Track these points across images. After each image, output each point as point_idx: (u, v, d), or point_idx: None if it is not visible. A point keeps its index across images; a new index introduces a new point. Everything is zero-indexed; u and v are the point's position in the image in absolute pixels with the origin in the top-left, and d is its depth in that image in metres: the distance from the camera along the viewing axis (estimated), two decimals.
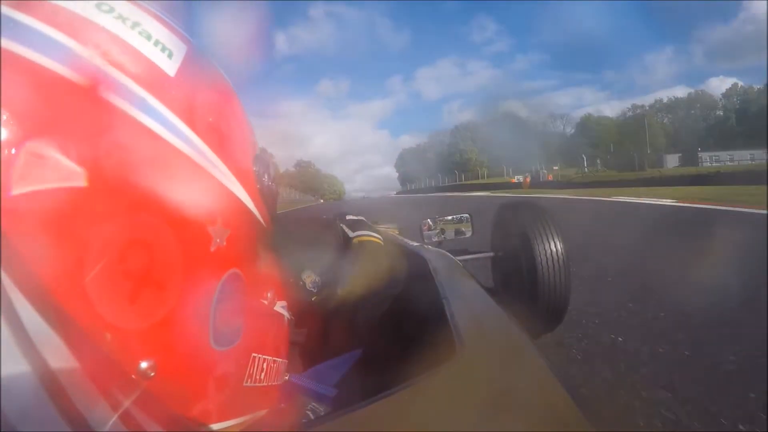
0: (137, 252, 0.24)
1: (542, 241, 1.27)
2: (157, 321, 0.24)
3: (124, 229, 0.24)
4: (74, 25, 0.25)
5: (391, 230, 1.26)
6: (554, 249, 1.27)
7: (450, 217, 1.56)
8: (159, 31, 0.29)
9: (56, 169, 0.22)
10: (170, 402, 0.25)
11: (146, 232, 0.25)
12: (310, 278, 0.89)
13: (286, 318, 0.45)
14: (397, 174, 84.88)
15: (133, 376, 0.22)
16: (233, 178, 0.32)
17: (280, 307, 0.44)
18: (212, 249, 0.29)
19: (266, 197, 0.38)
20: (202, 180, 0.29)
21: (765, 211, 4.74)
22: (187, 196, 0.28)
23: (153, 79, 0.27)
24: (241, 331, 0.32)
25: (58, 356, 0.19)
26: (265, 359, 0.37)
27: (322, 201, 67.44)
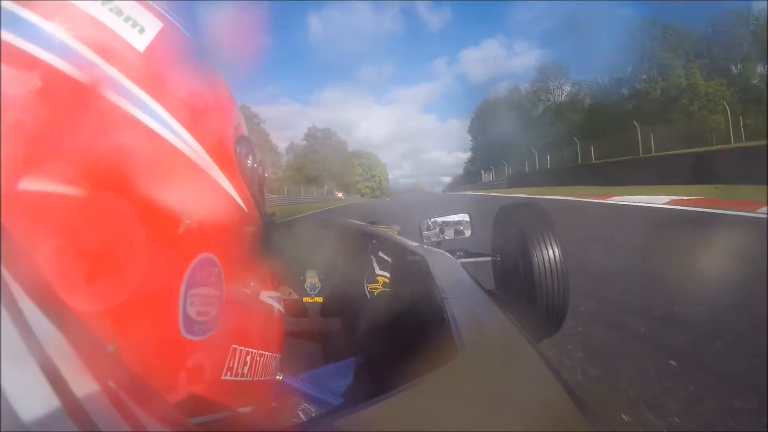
0: (94, 229, 0.23)
1: (540, 244, 1.26)
2: (117, 303, 0.23)
3: (81, 205, 0.23)
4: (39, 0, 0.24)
5: (391, 231, 1.25)
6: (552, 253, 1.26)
7: (449, 218, 1.55)
8: (132, 7, 0.29)
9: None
10: (139, 392, 0.23)
11: (104, 207, 0.24)
12: (311, 279, 0.89)
13: (276, 310, 0.44)
14: (471, 144, 46.36)
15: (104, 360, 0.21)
16: (206, 157, 0.31)
17: (269, 297, 0.42)
18: (180, 230, 0.28)
19: (249, 182, 0.37)
20: (169, 156, 0.28)
21: None
22: (152, 172, 0.27)
23: (119, 53, 0.27)
24: (219, 320, 0.31)
25: (60, 351, 0.18)
26: (249, 352, 0.35)
27: (341, 196, 40.25)
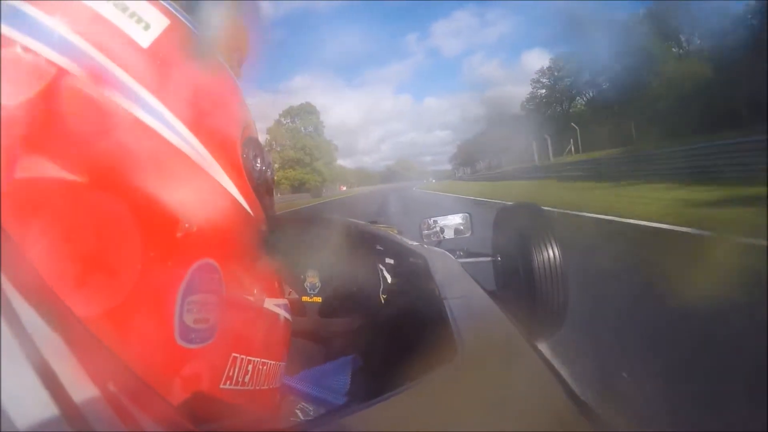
0: (89, 230, 0.23)
1: (540, 245, 1.26)
2: (109, 308, 0.23)
3: (77, 205, 0.22)
4: None
5: (391, 230, 1.25)
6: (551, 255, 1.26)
7: (449, 218, 1.55)
8: (138, 5, 0.28)
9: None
10: (136, 395, 0.23)
11: (100, 208, 0.23)
12: (311, 279, 0.89)
13: (281, 318, 0.43)
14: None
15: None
16: (210, 158, 0.30)
17: (274, 305, 0.41)
18: (179, 234, 0.27)
19: (257, 186, 0.36)
20: (169, 156, 0.27)
21: None
22: (150, 174, 0.26)
23: (121, 50, 0.26)
24: (218, 328, 0.30)
25: (57, 353, 0.18)
26: (250, 360, 0.34)
27: None
